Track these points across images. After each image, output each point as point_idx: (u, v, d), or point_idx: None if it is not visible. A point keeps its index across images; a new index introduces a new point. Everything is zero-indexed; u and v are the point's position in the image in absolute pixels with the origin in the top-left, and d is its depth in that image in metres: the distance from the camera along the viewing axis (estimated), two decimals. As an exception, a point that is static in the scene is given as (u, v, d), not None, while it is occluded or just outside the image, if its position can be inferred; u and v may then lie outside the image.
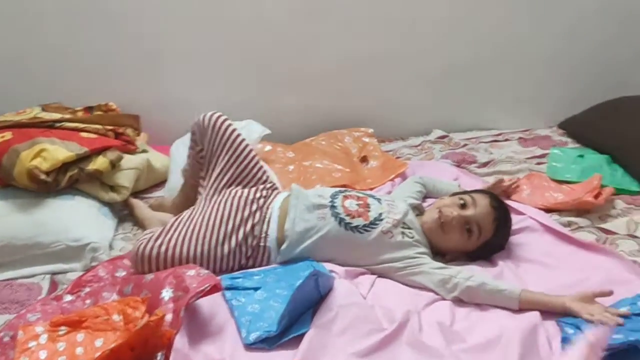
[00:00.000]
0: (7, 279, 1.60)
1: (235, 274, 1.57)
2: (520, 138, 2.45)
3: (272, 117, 2.33)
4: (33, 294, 1.53)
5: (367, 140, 2.40)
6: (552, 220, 1.81)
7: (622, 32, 2.54)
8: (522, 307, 1.44)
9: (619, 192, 1.92)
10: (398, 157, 2.33)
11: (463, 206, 1.64)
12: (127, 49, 2.30)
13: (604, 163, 2.08)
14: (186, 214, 1.64)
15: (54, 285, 1.59)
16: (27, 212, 1.70)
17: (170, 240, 1.56)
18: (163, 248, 1.55)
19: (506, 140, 2.45)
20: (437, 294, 1.52)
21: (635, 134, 2.05)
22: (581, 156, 2.13)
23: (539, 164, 2.19)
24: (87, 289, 1.54)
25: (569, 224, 1.80)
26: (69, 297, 1.51)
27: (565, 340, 1.32)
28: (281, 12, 2.33)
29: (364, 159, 2.31)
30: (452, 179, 2.09)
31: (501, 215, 1.65)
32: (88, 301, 1.49)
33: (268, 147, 2.32)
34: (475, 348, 1.32)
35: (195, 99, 2.34)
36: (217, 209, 1.64)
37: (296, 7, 2.32)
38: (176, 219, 1.62)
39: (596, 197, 1.84)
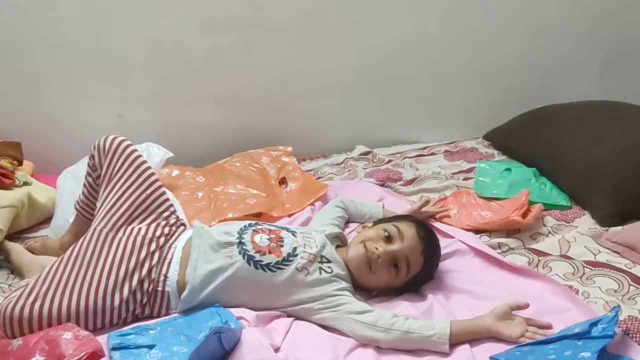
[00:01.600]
0: None
1: (126, 329, 1.33)
2: (446, 151, 2.34)
3: (177, 137, 2.14)
4: None
5: (286, 159, 2.22)
6: (481, 242, 1.69)
7: (544, 41, 2.49)
8: (452, 342, 1.31)
9: (548, 207, 1.82)
10: (319, 177, 2.17)
11: (388, 239, 1.48)
12: (4, 65, 2.02)
13: (531, 176, 1.98)
14: (67, 256, 1.39)
15: None
16: None
17: (45, 294, 1.32)
18: (37, 305, 1.30)
19: (432, 154, 2.34)
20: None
21: (562, 144, 1.97)
22: (508, 170, 2.04)
23: (466, 179, 2.08)
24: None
25: (499, 246, 1.68)
26: None
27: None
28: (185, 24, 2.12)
29: (283, 181, 2.13)
30: (377, 199, 1.94)
31: (430, 247, 1.51)
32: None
33: (175, 172, 2.10)
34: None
35: (87, 120, 2.12)
36: (108, 251, 1.40)
37: (196, 18, 2.11)
38: (52, 265, 1.37)
39: (524, 214, 1.74)
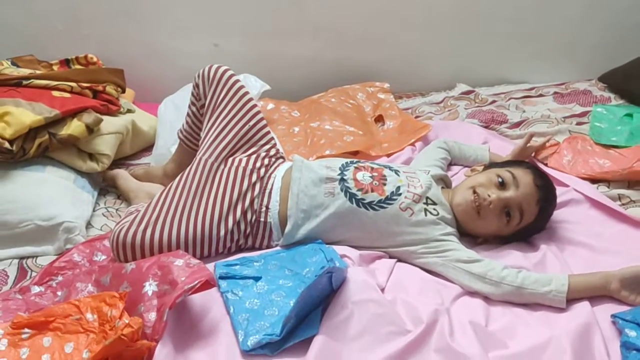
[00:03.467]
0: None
1: (232, 259, 1.35)
2: (555, 93, 2.17)
3: (273, 70, 2.09)
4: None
5: (382, 96, 2.13)
6: (599, 193, 1.56)
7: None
8: (569, 298, 1.23)
9: (676, 158, 1.65)
10: (418, 117, 2.07)
11: (502, 185, 1.38)
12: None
13: (656, 124, 1.80)
14: (175, 185, 1.40)
15: (22, 272, 1.37)
16: (-9, 185, 1.47)
17: (156, 221, 1.33)
18: (149, 232, 1.32)
19: (540, 95, 2.17)
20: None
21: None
22: (629, 115, 1.86)
23: (579, 124, 1.92)
24: (59, 278, 1.33)
25: (619, 198, 1.55)
26: (37, 289, 1.29)
27: (626, 345, 1.10)
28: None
29: (379, 119, 2.05)
30: (481, 142, 1.83)
31: (547, 196, 1.40)
32: (60, 293, 1.29)
33: (270, 105, 2.07)
34: (519, 356, 1.10)
35: (184, 49, 2.10)
36: (212, 182, 1.40)
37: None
38: (162, 194, 1.38)
39: (650, 165, 1.58)
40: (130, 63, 2.04)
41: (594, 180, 1.62)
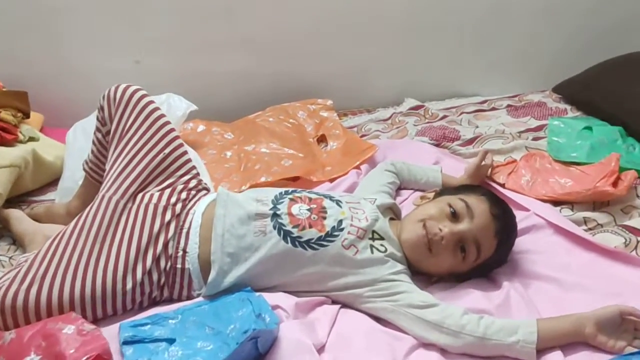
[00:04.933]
0: None
1: (141, 318, 1.12)
2: (509, 106, 2.03)
3: (204, 88, 1.91)
4: None
5: (325, 114, 1.96)
6: (563, 217, 1.41)
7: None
8: (539, 348, 1.06)
9: (641, 174, 1.52)
10: (364, 135, 1.90)
11: (454, 216, 1.21)
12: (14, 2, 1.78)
13: (617, 137, 1.68)
14: (70, 230, 1.17)
15: None
16: None
17: (44, 276, 1.10)
18: (34, 290, 1.09)
19: (493, 109, 2.03)
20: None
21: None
22: (588, 128, 1.73)
23: (535, 139, 1.78)
24: None
25: (585, 222, 1.41)
26: None
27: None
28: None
29: (322, 139, 1.88)
30: (432, 162, 1.67)
31: (505, 227, 1.24)
32: None
33: (201, 127, 1.87)
34: None
35: (103, 66, 1.87)
36: (117, 224, 1.18)
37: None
38: (53, 241, 1.15)
39: (615, 183, 1.44)
40: (38, 83, 1.83)
41: (556, 203, 1.47)
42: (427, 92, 2.14)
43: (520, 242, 1.33)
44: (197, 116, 1.84)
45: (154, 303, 1.19)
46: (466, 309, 1.11)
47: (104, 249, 1.14)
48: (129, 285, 1.14)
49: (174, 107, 1.68)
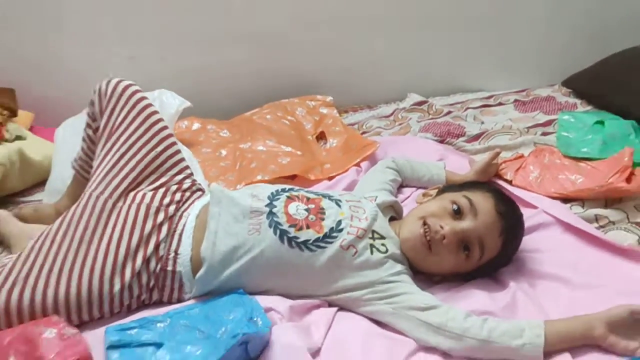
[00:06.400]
0: None
1: (128, 321, 1.07)
2: (516, 101, 1.97)
3: (198, 83, 1.83)
4: None
5: (325, 111, 1.91)
6: (573, 214, 1.35)
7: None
8: (547, 351, 1.00)
9: (655, 170, 1.45)
10: (365, 133, 1.84)
11: (457, 214, 1.15)
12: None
13: (630, 131, 1.61)
14: (55, 229, 1.12)
15: None
16: None
17: (27, 278, 1.06)
18: (16, 292, 1.04)
19: (499, 104, 1.97)
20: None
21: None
22: (600, 122, 1.66)
23: (544, 134, 1.72)
24: None
25: (596, 219, 1.34)
26: None
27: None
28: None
29: (322, 136, 1.82)
30: (436, 159, 1.61)
31: (511, 225, 1.17)
32: None
33: (196, 125, 1.82)
34: None
35: (97, 63, 1.83)
36: (106, 223, 1.13)
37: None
38: (37, 241, 1.11)
39: (628, 179, 1.37)
40: (27, 80, 1.77)
41: (566, 200, 1.40)
42: (431, 88, 2.07)
43: (528, 241, 1.27)
44: (192, 114, 1.79)
45: (143, 306, 1.13)
46: (469, 312, 1.05)
47: (91, 249, 1.09)
48: (117, 288, 1.08)
49: (166, 103, 1.62)
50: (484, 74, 2.15)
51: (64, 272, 1.07)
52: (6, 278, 1.05)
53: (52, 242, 1.09)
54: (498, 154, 1.49)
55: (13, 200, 1.50)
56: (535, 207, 1.37)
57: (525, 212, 1.29)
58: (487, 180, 1.47)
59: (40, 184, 1.56)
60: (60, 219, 1.14)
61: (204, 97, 1.79)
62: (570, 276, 1.18)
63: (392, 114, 1.96)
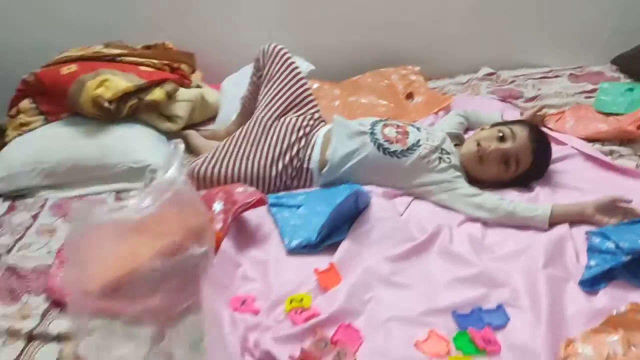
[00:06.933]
0: (77, 195, 1.79)
1: (280, 194, 1.68)
2: (571, 74, 2.41)
3: (319, 54, 2.39)
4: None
5: (413, 77, 2.42)
6: (593, 148, 1.81)
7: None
8: (552, 222, 1.49)
9: (666, 123, 1.88)
10: (444, 94, 2.35)
11: (501, 139, 1.66)
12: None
13: (654, 96, 2.03)
14: (238, 134, 1.76)
15: (118, 200, 1.76)
16: (94, 137, 1.88)
17: (222, 160, 1.70)
18: (216, 168, 1.68)
19: (556, 76, 2.41)
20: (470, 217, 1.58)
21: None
22: (630, 89, 2.09)
23: (587, 97, 2.16)
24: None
25: (610, 153, 1.80)
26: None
27: (591, 248, 1.37)
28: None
29: (410, 95, 2.34)
30: (495, 111, 2.10)
31: (540, 148, 1.67)
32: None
33: (316, 85, 2.39)
34: (502, 257, 1.39)
35: (245, 38, 2.43)
36: (267, 134, 1.75)
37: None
38: (227, 141, 1.75)
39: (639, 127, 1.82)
40: (199, 50, 2.44)
41: (590, 141, 1.87)
42: (501, 63, 2.54)
43: (556, 166, 1.74)
44: (314, 76, 2.39)
45: (288, 189, 1.75)
46: (502, 197, 1.58)
47: (258, 148, 1.72)
48: (273, 174, 1.71)
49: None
50: (548, 53, 2.54)
51: (243, 159, 1.70)
52: (211, 159, 1.69)
53: (236, 142, 1.73)
54: (543, 107, 1.98)
55: (195, 129, 2.16)
56: (565, 144, 1.85)
57: (557, 147, 1.79)
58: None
59: (211, 119, 2.23)
60: (238, 131, 1.78)
61: (323, 66, 2.37)
62: (584, 186, 1.64)
63: (466, 82, 2.45)
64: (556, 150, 1.78)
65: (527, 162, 1.66)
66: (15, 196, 1.81)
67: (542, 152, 1.69)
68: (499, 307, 1.25)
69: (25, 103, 1.97)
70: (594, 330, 1.13)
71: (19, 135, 1.92)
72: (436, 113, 2.12)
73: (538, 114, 1.97)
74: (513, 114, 2.09)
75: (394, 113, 2.14)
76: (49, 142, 1.87)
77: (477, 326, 1.19)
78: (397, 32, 2.53)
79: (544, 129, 1.92)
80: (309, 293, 1.29)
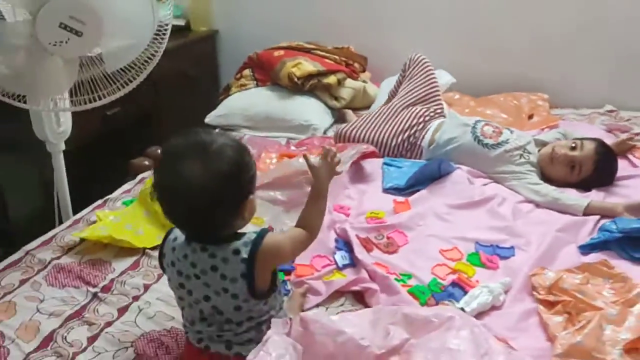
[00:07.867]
0: (262, 136, 2.65)
1: (395, 158, 2.34)
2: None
3: (467, 75, 3.00)
4: (275, 144, 2.52)
5: (540, 103, 2.88)
6: (661, 174, 2.15)
7: None
8: (587, 212, 1.92)
9: None
10: (562, 120, 2.77)
11: (572, 148, 2.12)
12: (372, 8, 3.21)
13: None
14: (377, 112, 2.47)
15: (288, 144, 2.57)
16: (284, 100, 2.74)
17: (360, 127, 2.42)
18: (355, 131, 2.41)
19: (670, 121, 2.68)
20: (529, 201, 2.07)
21: None
22: None
23: (683, 136, 2.44)
24: (304, 148, 2.50)
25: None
26: (293, 148, 2.48)
27: (602, 228, 1.79)
28: None
29: (531, 116, 2.81)
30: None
31: (602, 160, 2.08)
32: (303, 148, 2.44)
33: (457, 96, 2.99)
34: (531, 223, 1.88)
35: (408, 52, 3.11)
36: (397, 116, 2.43)
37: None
38: (367, 115, 2.47)
39: None
40: (372, 56, 3.19)
41: (665, 170, 2.20)
42: (626, 106, 2.86)
43: (620, 181, 2.13)
44: (457, 89, 2.98)
45: (403, 157, 2.39)
46: (556, 189, 2.05)
47: (387, 124, 2.40)
48: (393, 144, 2.37)
49: (441, 77, 2.85)
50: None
51: (375, 129, 2.38)
52: (355, 125, 2.41)
53: (373, 118, 2.43)
54: (633, 137, 2.34)
55: (352, 110, 2.92)
56: (637, 167, 2.21)
57: (628, 168, 2.17)
58: (619, 153, 2.32)
59: (368, 107, 2.96)
60: (378, 108, 2.49)
61: (468, 81, 2.96)
62: (634, 194, 2.02)
63: (588, 114, 2.83)
64: (629, 172, 2.16)
65: (589, 169, 2.09)
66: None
67: (603, 164, 2.10)
68: (511, 247, 1.76)
69: (247, 71, 2.92)
70: (566, 270, 1.60)
71: (238, 92, 2.86)
72: (542, 129, 2.58)
73: (627, 142, 2.33)
74: (608, 141, 2.46)
75: (510, 125, 2.65)
76: (255, 99, 2.78)
77: (488, 252, 1.73)
78: (536, 64, 3.02)
79: (631, 157, 2.28)
80: (385, 212, 1.94)
